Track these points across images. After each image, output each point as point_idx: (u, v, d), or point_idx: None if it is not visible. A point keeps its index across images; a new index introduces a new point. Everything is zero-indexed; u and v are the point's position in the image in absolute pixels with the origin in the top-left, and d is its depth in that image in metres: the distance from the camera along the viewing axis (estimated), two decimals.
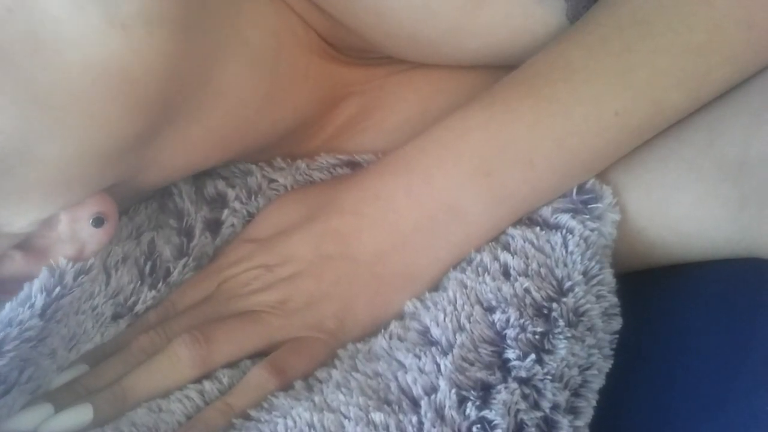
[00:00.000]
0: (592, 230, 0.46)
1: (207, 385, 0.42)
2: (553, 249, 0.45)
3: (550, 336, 0.42)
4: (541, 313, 0.42)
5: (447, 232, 0.46)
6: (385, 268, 0.45)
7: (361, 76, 0.58)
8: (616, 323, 0.45)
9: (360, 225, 0.46)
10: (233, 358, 0.44)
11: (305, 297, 0.45)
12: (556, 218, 0.47)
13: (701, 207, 0.45)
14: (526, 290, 0.42)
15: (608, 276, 0.46)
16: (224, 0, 0.45)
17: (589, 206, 0.47)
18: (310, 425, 0.39)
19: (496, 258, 0.45)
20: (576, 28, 0.48)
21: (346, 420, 0.39)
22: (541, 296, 0.43)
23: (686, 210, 0.46)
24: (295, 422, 0.39)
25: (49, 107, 0.35)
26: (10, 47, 0.33)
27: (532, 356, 0.40)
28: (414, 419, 0.38)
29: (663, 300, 0.49)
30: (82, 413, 0.39)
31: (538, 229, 0.46)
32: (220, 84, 0.45)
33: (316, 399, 0.40)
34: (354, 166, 0.54)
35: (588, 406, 0.42)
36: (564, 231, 0.46)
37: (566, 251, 0.45)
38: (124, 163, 0.41)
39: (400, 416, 0.39)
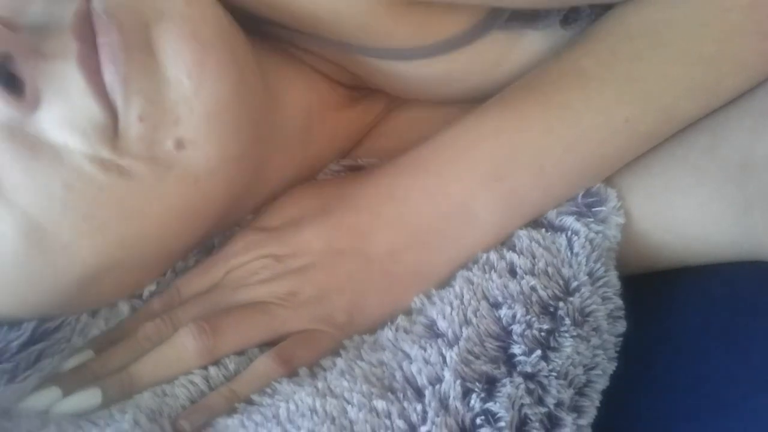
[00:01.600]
0: (596, 233, 0.47)
1: (212, 371, 0.42)
2: (558, 250, 0.46)
3: (556, 334, 0.42)
4: (548, 311, 0.42)
5: (459, 234, 0.46)
6: (398, 266, 0.46)
7: (379, 109, 0.59)
8: (621, 326, 0.45)
9: (374, 223, 0.46)
10: (239, 348, 0.43)
11: (315, 290, 0.45)
12: (560, 220, 0.47)
13: (705, 210, 0.46)
14: (533, 288, 0.43)
15: (613, 278, 0.46)
16: (268, 102, 0.47)
17: (594, 209, 0.47)
18: (312, 410, 0.39)
19: (502, 257, 0.45)
20: (586, 37, 0.49)
21: (349, 405, 0.39)
22: (548, 295, 0.43)
23: (690, 213, 0.46)
24: (297, 406, 0.39)
25: (132, 243, 0.41)
26: (99, 211, 0.39)
27: (538, 352, 0.40)
28: (418, 407, 0.38)
29: (665, 302, 0.49)
30: (92, 396, 0.40)
31: (543, 230, 0.47)
32: (264, 177, 0.49)
33: (320, 385, 0.40)
34: (358, 170, 0.54)
35: (591, 405, 0.42)
36: (569, 233, 0.46)
37: (571, 253, 0.46)
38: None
39: (405, 404, 0.38)
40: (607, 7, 0.49)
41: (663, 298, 0.49)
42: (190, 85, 0.39)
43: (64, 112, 0.38)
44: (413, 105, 0.58)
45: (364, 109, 0.58)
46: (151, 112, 0.38)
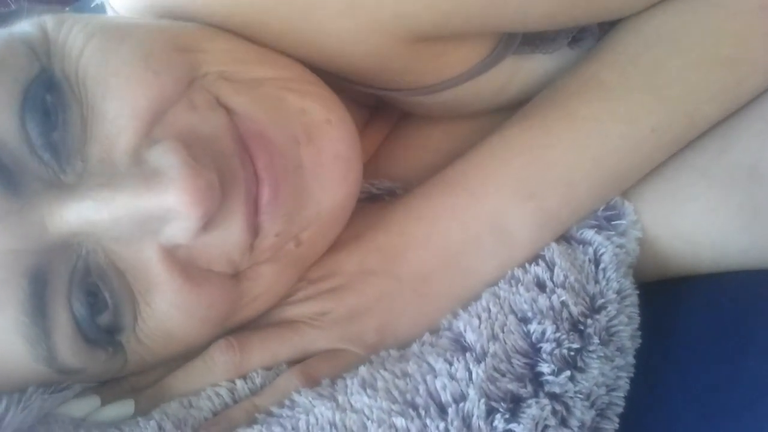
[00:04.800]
0: (620, 246, 0.45)
1: (239, 384, 0.41)
2: (582, 266, 0.44)
3: (584, 353, 0.40)
4: (577, 328, 0.41)
5: (492, 254, 0.44)
6: (430, 288, 0.44)
7: (388, 128, 0.59)
8: (637, 343, 0.44)
9: (405, 244, 0.45)
10: (266, 365, 0.42)
11: (346, 310, 0.43)
12: (581, 234, 0.46)
13: (713, 216, 0.45)
14: (563, 303, 0.41)
15: (635, 296, 0.45)
16: None
17: (613, 222, 0.46)
18: (332, 424, 0.37)
19: (527, 270, 0.44)
20: (602, 49, 0.48)
21: (369, 421, 0.37)
22: (578, 311, 0.41)
23: (697, 219, 0.46)
24: (317, 419, 0.37)
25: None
26: (217, 313, 0.39)
27: (567, 372, 0.39)
28: (441, 426, 0.37)
29: (670, 310, 0.48)
30: (125, 407, 0.41)
31: (564, 244, 0.45)
32: None
33: (340, 398, 0.38)
34: (374, 198, 0.51)
35: (611, 429, 0.41)
36: (596, 246, 0.45)
37: (596, 268, 0.44)
38: None
39: (427, 421, 0.37)
40: (613, 24, 0.49)
41: (667, 306, 0.48)
42: (328, 201, 0.41)
43: (218, 242, 0.38)
44: (420, 120, 0.57)
45: (376, 128, 0.58)
46: (288, 228, 0.40)
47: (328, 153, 0.41)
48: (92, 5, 0.63)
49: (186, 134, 0.37)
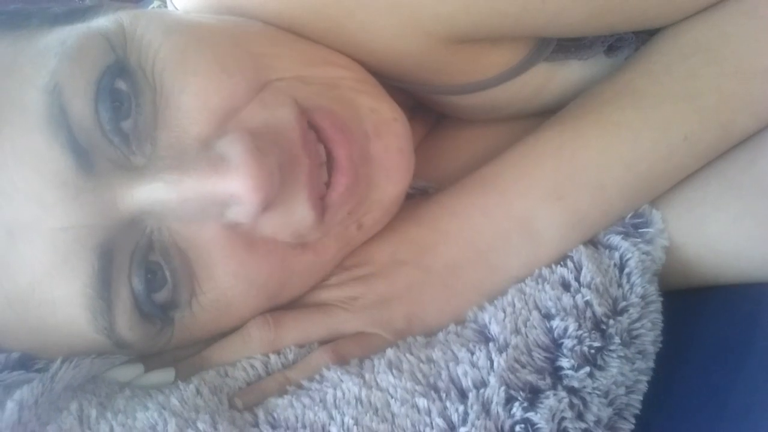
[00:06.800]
0: (646, 254, 0.46)
1: (273, 358, 0.44)
2: (606, 269, 0.46)
3: (604, 352, 0.42)
4: (599, 327, 0.42)
5: (520, 252, 0.46)
6: (458, 281, 0.46)
7: (426, 129, 0.61)
8: (657, 348, 0.45)
9: (436, 239, 0.47)
10: (299, 342, 0.45)
11: (376, 296, 0.45)
12: (608, 239, 0.47)
13: (738, 226, 0.46)
14: (587, 303, 0.43)
15: (660, 303, 0.46)
16: None
17: (640, 230, 0.47)
18: (358, 399, 0.39)
19: (553, 271, 0.45)
20: (639, 58, 0.49)
21: (392, 399, 0.39)
22: (601, 311, 0.43)
23: (723, 228, 0.46)
24: (344, 394, 0.40)
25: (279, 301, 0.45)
26: (274, 283, 0.42)
27: (587, 369, 0.40)
28: (460, 408, 0.39)
29: (685, 314, 0.48)
30: (167, 374, 0.44)
31: (591, 248, 0.47)
32: None
33: (367, 376, 0.41)
34: (407, 196, 0.53)
35: (627, 429, 0.42)
36: (622, 251, 0.46)
37: (620, 272, 0.45)
38: None
39: (447, 403, 0.39)
40: (651, 33, 0.50)
41: (685, 314, 0.48)
42: (390, 189, 0.45)
43: (282, 218, 0.41)
44: (455, 124, 0.59)
45: (413, 130, 0.59)
46: (357, 208, 0.44)
47: (393, 147, 0.44)
48: (150, 7, 0.68)
49: (255, 128, 0.39)
